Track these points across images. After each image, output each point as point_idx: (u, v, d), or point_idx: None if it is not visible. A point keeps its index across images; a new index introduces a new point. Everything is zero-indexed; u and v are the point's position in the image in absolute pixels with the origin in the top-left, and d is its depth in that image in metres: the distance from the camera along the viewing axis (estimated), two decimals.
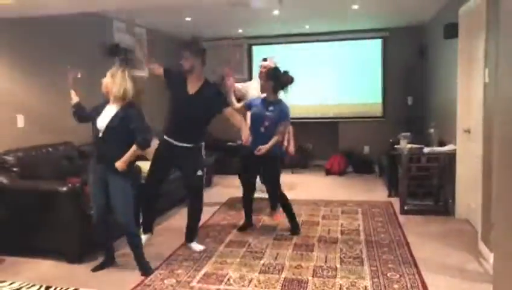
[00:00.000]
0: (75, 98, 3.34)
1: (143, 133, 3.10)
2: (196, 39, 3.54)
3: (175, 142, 3.53)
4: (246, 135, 3.54)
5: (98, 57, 5.27)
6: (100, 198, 3.18)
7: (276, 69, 4.08)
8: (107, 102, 3.23)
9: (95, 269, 3.31)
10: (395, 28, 7.03)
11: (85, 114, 3.30)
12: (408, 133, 5.16)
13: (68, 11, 4.03)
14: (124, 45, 5.79)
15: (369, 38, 7.36)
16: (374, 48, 7.39)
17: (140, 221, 3.78)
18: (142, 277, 3.14)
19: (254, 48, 7.84)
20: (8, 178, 3.59)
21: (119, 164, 3.05)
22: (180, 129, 3.54)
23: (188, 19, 5.96)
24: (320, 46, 7.57)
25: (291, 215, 4.09)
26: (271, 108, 3.88)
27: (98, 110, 3.20)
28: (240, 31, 7.10)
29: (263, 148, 3.80)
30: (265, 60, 4.61)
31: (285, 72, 3.98)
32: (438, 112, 5.77)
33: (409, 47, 6.97)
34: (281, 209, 4.23)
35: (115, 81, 3.13)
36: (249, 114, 4.08)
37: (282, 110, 3.92)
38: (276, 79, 3.90)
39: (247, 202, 4.20)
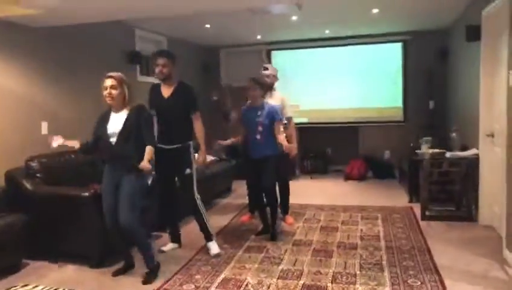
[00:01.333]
0: (75, 144, 3.31)
1: (151, 135, 3.29)
2: (167, 50, 3.78)
3: (165, 147, 3.63)
4: (202, 154, 3.75)
5: (120, 64, 5.37)
6: (113, 203, 3.19)
7: (260, 77, 4.27)
8: (107, 112, 3.27)
9: (115, 274, 3.35)
10: (416, 31, 6.94)
11: (92, 145, 3.33)
12: (429, 138, 5.08)
13: (95, 20, 4.15)
14: (145, 53, 5.90)
15: (389, 42, 7.29)
16: (394, 51, 7.31)
17: (167, 231, 4.00)
18: (161, 281, 3.16)
19: (273, 53, 7.86)
20: (32, 184, 3.69)
21: (144, 165, 3.08)
22: (166, 133, 3.67)
23: (207, 25, 6.04)
24: (340, 50, 7.54)
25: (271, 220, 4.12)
26: (259, 113, 3.97)
27: (102, 123, 3.24)
28: (259, 37, 7.13)
29: (293, 148, 4.07)
30: (266, 69, 4.59)
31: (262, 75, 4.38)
32: (460, 116, 5.66)
33: (430, 50, 6.87)
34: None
35: (127, 87, 3.20)
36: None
37: (270, 111, 3.98)
38: (262, 85, 4.07)
39: (260, 207, 4.21)
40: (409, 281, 3.03)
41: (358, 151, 7.46)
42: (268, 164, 3.95)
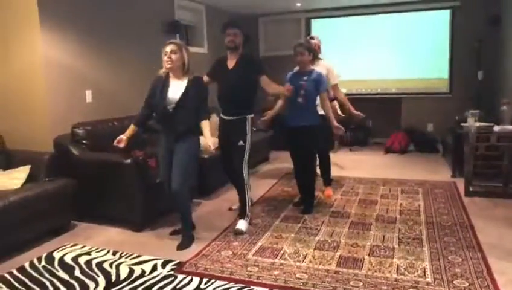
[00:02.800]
0: (131, 131, 3.41)
1: (207, 109, 3.34)
2: (238, 20, 3.72)
3: (225, 117, 3.71)
4: (283, 88, 3.64)
5: (159, 34, 5.41)
6: (170, 170, 3.27)
7: (308, 40, 4.16)
8: (160, 80, 3.29)
9: (172, 233, 3.54)
10: None
11: (145, 116, 3.43)
12: (477, 111, 4.86)
13: None
14: (185, 22, 5.89)
15: (436, 8, 6.92)
16: (441, 19, 6.93)
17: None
18: (200, 246, 3.25)
19: (313, 21, 7.66)
20: (78, 150, 3.85)
21: (209, 145, 3.20)
22: (226, 104, 3.71)
23: None
24: (383, 18, 7.24)
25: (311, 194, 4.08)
26: (305, 77, 3.85)
27: (161, 89, 3.26)
28: (298, 4, 6.94)
29: (336, 125, 3.89)
30: (312, 38, 4.50)
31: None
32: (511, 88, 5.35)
33: (480, 17, 6.46)
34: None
35: (187, 55, 3.25)
36: None
37: (316, 79, 3.85)
38: (311, 49, 3.93)
39: (300, 178, 4.18)
40: (449, 258, 2.96)
41: (400, 123, 7.24)
42: (306, 135, 3.86)
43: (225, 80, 3.66)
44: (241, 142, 3.62)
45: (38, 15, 3.78)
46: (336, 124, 3.91)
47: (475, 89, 6.51)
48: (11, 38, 3.92)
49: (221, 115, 3.78)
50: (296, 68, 4.03)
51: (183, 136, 3.24)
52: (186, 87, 3.24)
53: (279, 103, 4.07)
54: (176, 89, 3.24)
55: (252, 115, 3.70)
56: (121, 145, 3.30)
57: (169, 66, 3.22)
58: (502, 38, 6.06)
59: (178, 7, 5.85)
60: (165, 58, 3.22)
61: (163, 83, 3.28)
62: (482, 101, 6.09)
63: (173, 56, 3.20)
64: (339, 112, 4.77)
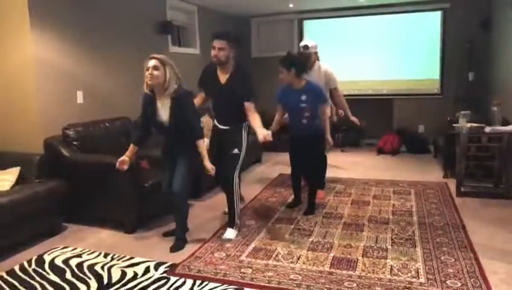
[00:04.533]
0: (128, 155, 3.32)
1: (198, 126, 3.27)
2: (231, 32, 3.61)
3: (220, 127, 3.67)
4: (261, 133, 3.34)
5: (151, 34, 5.38)
6: (170, 172, 3.29)
7: (288, 55, 3.91)
8: (148, 99, 3.22)
9: (165, 234, 3.53)
10: None
11: (143, 133, 3.37)
12: (468, 112, 4.88)
13: None
14: (177, 23, 5.86)
15: (427, 10, 6.96)
16: (432, 20, 6.98)
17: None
18: (193, 248, 3.23)
19: (305, 22, 7.67)
20: (69, 151, 3.80)
21: (208, 166, 3.19)
22: (220, 114, 3.68)
23: None
24: (375, 19, 7.27)
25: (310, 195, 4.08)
26: (303, 97, 3.75)
27: (151, 111, 3.22)
28: (291, 5, 6.95)
29: (329, 139, 3.95)
30: (306, 47, 4.31)
31: (299, 53, 4.06)
32: (502, 89, 5.40)
33: (471, 19, 6.52)
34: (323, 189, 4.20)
35: (170, 71, 3.10)
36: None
37: (315, 95, 3.80)
38: (295, 65, 3.74)
39: (296, 181, 4.19)
40: (442, 258, 2.97)
41: (392, 124, 7.28)
42: (312, 142, 3.87)
43: (218, 95, 3.59)
44: (236, 150, 3.51)
45: (29, 15, 3.73)
46: (329, 137, 3.94)
47: (466, 89, 6.56)
48: (1, 40, 3.87)
49: (216, 123, 3.71)
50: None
51: (186, 147, 3.23)
52: (173, 108, 3.14)
53: (276, 118, 4.06)
54: (163, 109, 3.18)
55: (248, 122, 3.57)
56: (125, 167, 3.25)
57: (149, 82, 3.09)
58: (493, 39, 6.12)
59: (170, 8, 5.82)
60: (146, 73, 3.08)
61: (151, 103, 3.21)
62: (472, 102, 6.14)
63: (155, 72, 3.05)
64: (333, 117, 4.77)
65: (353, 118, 4.59)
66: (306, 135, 3.85)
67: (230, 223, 3.55)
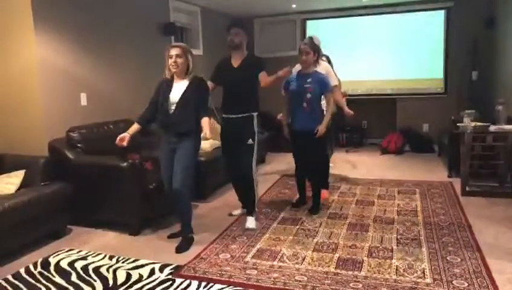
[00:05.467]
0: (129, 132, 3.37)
1: (206, 106, 3.32)
2: (242, 20, 3.75)
3: (231, 116, 3.71)
4: (282, 72, 3.55)
5: (155, 36, 5.38)
6: (170, 170, 3.27)
7: (313, 39, 3.99)
8: (164, 82, 3.30)
9: (170, 236, 3.51)
10: None
11: (149, 114, 3.40)
12: (472, 111, 4.86)
13: None
14: (180, 24, 5.87)
15: (431, 9, 6.94)
16: (436, 19, 6.96)
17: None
18: (198, 250, 3.23)
19: (308, 22, 7.66)
20: (73, 154, 3.81)
21: (207, 132, 3.17)
22: (232, 102, 3.71)
23: None
24: (378, 19, 7.25)
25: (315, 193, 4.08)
26: (309, 80, 3.80)
27: (164, 91, 3.29)
28: (294, 6, 6.94)
29: (321, 129, 3.79)
30: (311, 38, 4.39)
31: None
32: (507, 88, 5.37)
33: (475, 18, 6.50)
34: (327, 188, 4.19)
35: (190, 58, 3.27)
36: None
37: (320, 80, 3.82)
38: (318, 50, 3.87)
39: (300, 179, 4.18)
40: (448, 258, 2.96)
41: (396, 124, 7.26)
42: (314, 139, 3.83)
43: (231, 78, 3.67)
44: (250, 141, 3.67)
45: (33, 18, 3.74)
46: (324, 128, 3.84)
47: (470, 89, 6.53)
48: (5, 42, 3.88)
49: (225, 115, 3.76)
50: (297, 67, 3.99)
51: (184, 136, 3.24)
52: (187, 87, 3.26)
53: (284, 108, 4.08)
54: (178, 89, 3.27)
55: (257, 113, 3.73)
56: (124, 143, 3.27)
57: (174, 70, 3.26)
58: (497, 38, 6.09)
59: (173, 9, 5.82)
60: (170, 61, 3.24)
61: (168, 84, 3.30)
62: (476, 101, 6.12)
63: (178, 60, 3.23)
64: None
65: (347, 110, 4.53)
66: (306, 129, 3.81)
67: (250, 211, 3.74)
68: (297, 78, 3.88)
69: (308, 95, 3.77)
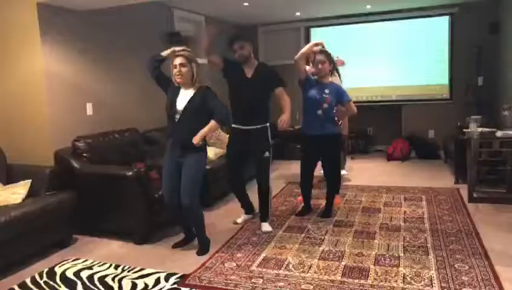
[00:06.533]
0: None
1: (223, 109, 3.23)
2: (244, 31, 3.76)
3: (243, 127, 3.69)
4: (286, 116, 3.62)
5: (159, 45, 5.41)
6: (175, 179, 3.25)
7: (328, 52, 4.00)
8: (173, 85, 3.29)
9: (175, 245, 3.51)
10: (465, 3, 6.56)
11: (162, 75, 3.33)
12: (478, 116, 4.84)
13: (134, 1, 4.14)
14: (185, 33, 5.90)
15: (435, 15, 6.94)
16: (440, 25, 6.95)
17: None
18: (203, 259, 3.22)
19: (312, 30, 7.68)
20: (79, 163, 3.83)
21: (197, 138, 3.12)
22: (245, 113, 3.68)
23: (245, 4, 5.94)
24: (382, 25, 7.26)
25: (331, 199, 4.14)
26: (327, 90, 3.84)
27: (172, 95, 3.25)
28: (298, 13, 6.97)
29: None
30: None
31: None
32: None
33: (479, 23, 6.48)
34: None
35: (196, 66, 3.23)
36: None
37: (338, 91, 3.89)
38: (332, 61, 3.92)
39: (306, 187, 4.17)
40: (456, 266, 2.93)
41: (401, 130, 7.23)
42: (330, 144, 3.90)
43: (244, 89, 3.65)
44: (267, 154, 3.69)
45: (39, 29, 3.78)
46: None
47: (475, 94, 6.50)
48: (12, 53, 3.93)
49: (237, 125, 3.70)
50: (309, 68, 3.99)
51: (190, 150, 3.18)
52: (192, 97, 3.21)
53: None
54: (184, 97, 3.23)
55: (269, 124, 3.76)
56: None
57: (179, 80, 3.21)
58: (502, 43, 6.07)
59: (178, 18, 5.86)
60: (174, 71, 3.21)
61: (175, 90, 3.27)
62: (482, 106, 6.08)
63: (183, 69, 3.18)
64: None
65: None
66: (321, 134, 3.84)
67: (264, 218, 3.84)
68: (316, 85, 3.88)
69: (325, 105, 3.82)
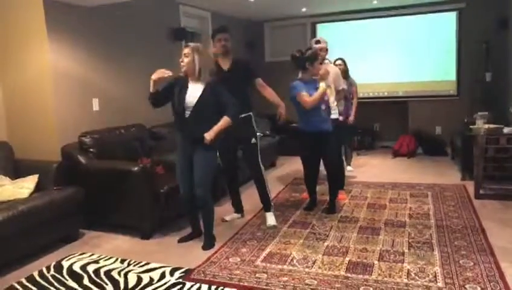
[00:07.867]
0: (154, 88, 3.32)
1: (235, 106, 3.29)
2: (227, 25, 3.91)
3: None
4: (282, 107, 3.76)
5: (165, 41, 5.43)
6: (187, 175, 3.30)
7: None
8: (180, 81, 3.29)
9: (181, 240, 3.54)
10: None
11: (162, 97, 3.33)
12: (485, 113, 4.81)
13: None
14: (191, 29, 5.92)
15: (443, 11, 6.89)
16: (448, 21, 6.90)
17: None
18: (208, 253, 3.25)
19: (318, 26, 7.66)
20: (86, 158, 3.86)
21: (209, 134, 3.17)
22: None
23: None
24: (388, 21, 7.22)
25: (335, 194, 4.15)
26: (318, 84, 3.90)
27: (180, 89, 3.25)
28: (304, 9, 6.95)
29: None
30: (318, 42, 4.42)
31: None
32: None
33: (487, 19, 6.42)
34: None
35: (199, 58, 3.25)
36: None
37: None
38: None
39: (310, 182, 4.18)
40: (460, 262, 2.92)
41: (408, 126, 7.20)
42: (330, 139, 3.94)
43: (223, 81, 3.61)
44: (253, 140, 3.77)
45: (46, 26, 3.81)
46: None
47: (483, 90, 6.44)
48: (19, 49, 3.96)
49: None
50: (299, 77, 3.94)
51: (201, 143, 3.21)
52: (203, 91, 3.23)
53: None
54: (193, 92, 3.23)
55: (252, 112, 3.82)
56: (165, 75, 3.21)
57: (182, 69, 3.29)
58: (510, 38, 6.01)
59: (184, 14, 5.87)
60: (180, 60, 3.30)
61: (183, 84, 3.28)
62: (490, 102, 6.04)
63: (185, 59, 3.26)
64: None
65: None
66: (323, 129, 3.88)
67: (267, 207, 3.87)
68: (311, 84, 3.88)
69: (326, 98, 3.90)
